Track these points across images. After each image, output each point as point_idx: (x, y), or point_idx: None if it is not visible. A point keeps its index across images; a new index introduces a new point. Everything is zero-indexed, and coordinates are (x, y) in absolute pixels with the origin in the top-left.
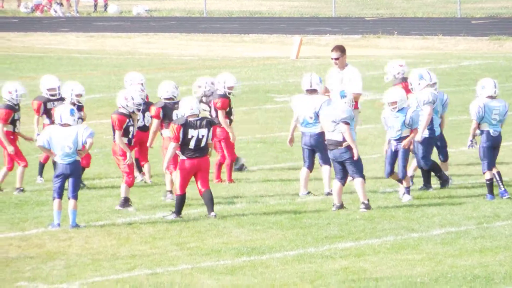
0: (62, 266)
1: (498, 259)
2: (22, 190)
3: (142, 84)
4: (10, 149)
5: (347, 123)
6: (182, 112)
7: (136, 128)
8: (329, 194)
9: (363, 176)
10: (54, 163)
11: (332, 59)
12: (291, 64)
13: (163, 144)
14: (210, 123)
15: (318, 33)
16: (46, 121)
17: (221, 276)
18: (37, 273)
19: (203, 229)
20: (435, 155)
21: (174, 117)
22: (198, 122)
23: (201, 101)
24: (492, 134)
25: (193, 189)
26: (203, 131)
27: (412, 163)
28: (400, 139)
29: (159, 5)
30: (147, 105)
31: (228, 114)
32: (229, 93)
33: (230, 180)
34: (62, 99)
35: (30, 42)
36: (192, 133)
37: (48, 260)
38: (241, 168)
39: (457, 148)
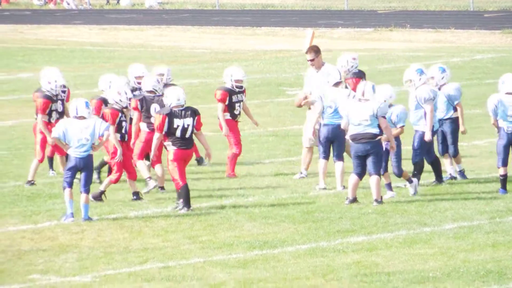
0: (75, 259)
1: (510, 254)
2: (33, 183)
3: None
4: (51, 140)
5: (384, 117)
6: (168, 102)
7: (128, 124)
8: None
9: (379, 174)
10: (67, 156)
11: (307, 60)
12: (303, 57)
13: (138, 137)
14: (195, 112)
15: (330, 26)
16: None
17: (233, 270)
18: (50, 266)
19: (215, 223)
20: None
21: (152, 111)
22: (183, 112)
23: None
24: (506, 130)
25: (204, 182)
26: (188, 121)
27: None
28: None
29: None
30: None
31: (230, 108)
32: (236, 87)
33: (233, 173)
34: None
35: (43, 34)
36: (177, 122)
37: (61, 253)
38: (200, 162)
39: (470, 142)
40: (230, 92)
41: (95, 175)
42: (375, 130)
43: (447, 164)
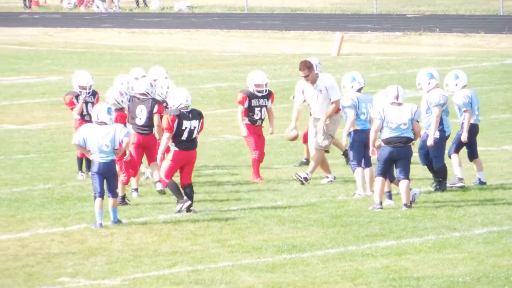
0: (104, 262)
1: None
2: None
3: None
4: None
5: (417, 121)
6: (177, 103)
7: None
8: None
9: (409, 179)
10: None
11: (302, 76)
12: (332, 61)
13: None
14: (200, 114)
15: (359, 30)
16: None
17: (261, 274)
18: (79, 269)
19: (244, 226)
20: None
21: (138, 112)
22: (190, 114)
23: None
24: None
25: (232, 186)
26: (195, 123)
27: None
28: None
29: (200, 1)
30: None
31: (250, 112)
32: (257, 91)
33: (258, 178)
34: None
35: (73, 37)
36: (186, 124)
37: (90, 256)
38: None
39: (499, 147)
40: (249, 96)
41: None
42: (411, 135)
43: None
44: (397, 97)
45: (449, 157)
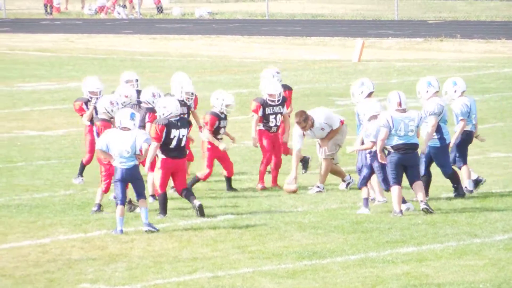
0: (124, 268)
1: None
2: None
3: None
4: (222, 146)
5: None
6: (168, 111)
7: None
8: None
9: (421, 179)
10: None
11: (300, 129)
12: (353, 67)
13: None
14: (188, 123)
15: (380, 36)
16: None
17: (282, 280)
18: (100, 275)
19: (264, 233)
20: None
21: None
22: (179, 122)
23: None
24: None
25: (253, 192)
26: (184, 131)
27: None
28: (371, 153)
29: (221, 7)
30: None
31: (265, 120)
32: (270, 101)
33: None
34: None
35: (94, 44)
36: (174, 133)
37: (111, 262)
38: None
39: None
40: (263, 104)
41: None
42: (417, 141)
43: (464, 176)
44: (400, 104)
45: (459, 168)
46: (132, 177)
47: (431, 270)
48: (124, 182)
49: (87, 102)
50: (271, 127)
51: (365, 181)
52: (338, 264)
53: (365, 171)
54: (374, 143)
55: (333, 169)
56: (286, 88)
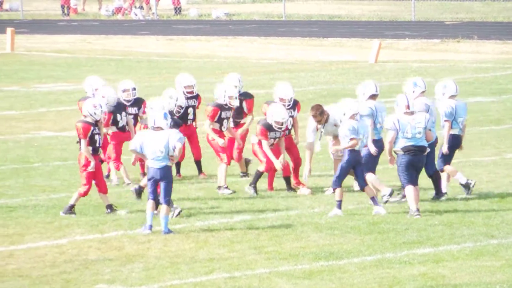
0: (141, 268)
1: None
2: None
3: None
4: (221, 142)
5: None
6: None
7: (102, 137)
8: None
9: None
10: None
11: (315, 122)
12: (369, 68)
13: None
14: (178, 124)
15: (397, 37)
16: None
17: (298, 281)
18: (116, 276)
19: (281, 233)
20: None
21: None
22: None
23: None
24: None
25: (269, 193)
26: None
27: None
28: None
29: (238, 8)
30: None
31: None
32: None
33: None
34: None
35: (111, 45)
36: None
37: (127, 262)
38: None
39: None
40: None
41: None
42: (425, 143)
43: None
44: (408, 107)
45: (441, 171)
46: (163, 177)
47: (448, 271)
48: (156, 181)
49: None
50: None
51: (340, 182)
52: (354, 265)
53: (338, 172)
54: (355, 140)
55: None
56: (247, 96)
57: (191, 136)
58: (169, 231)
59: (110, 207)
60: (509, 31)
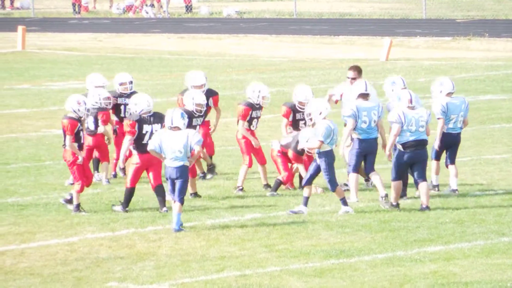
0: (152, 266)
1: None
2: (241, 189)
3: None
4: (255, 142)
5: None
6: (139, 108)
7: (85, 133)
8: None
9: (426, 180)
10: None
11: (348, 78)
12: (380, 66)
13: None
14: (161, 118)
15: (408, 35)
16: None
17: (309, 279)
18: (127, 274)
19: (292, 231)
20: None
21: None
22: (151, 118)
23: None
24: None
25: (280, 191)
26: (157, 126)
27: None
28: (319, 153)
29: (249, 6)
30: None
31: (294, 125)
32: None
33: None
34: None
35: (122, 43)
36: (146, 128)
37: (138, 260)
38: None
39: None
40: (294, 110)
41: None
42: (426, 137)
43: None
44: (410, 101)
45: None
46: (179, 176)
47: (459, 269)
48: (173, 180)
49: None
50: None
51: (311, 180)
52: (365, 263)
53: (311, 170)
54: (322, 142)
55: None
56: (212, 94)
57: (205, 134)
58: (180, 229)
59: (78, 207)
60: None
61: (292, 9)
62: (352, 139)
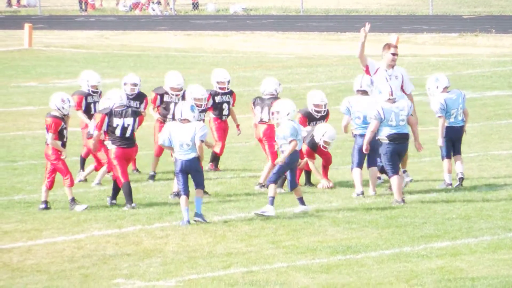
0: (159, 263)
1: None
2: (263, 186)
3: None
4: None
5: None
6: (112, 102)
7: (68, 131)
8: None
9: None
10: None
11: (392, 54)
12: None
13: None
14: (136, 113)
15: (415, 31)
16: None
17: (316, 275)
18: (134, 270)
19: (298, 228)
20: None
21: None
22: (124, 112)
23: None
24: None
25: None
26: (129, 120)
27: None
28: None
29: (256, 3)
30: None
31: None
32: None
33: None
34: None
35: (128, 40)
36: (117, 121)
37: (145, 257)
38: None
39: None
40: (309, 117)
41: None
42: (408, 130)
43: (457, 166)
44: (391, 93)
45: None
46: (192, 169)
47: (466, 264)
48: (185, 173)
49: (86, 96)
50: None
51: (276, 178)
52: (372, 258)
53: (275, 168)
54: (295, 141)
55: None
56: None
57: (224, 132)
58: (201, 215)
59: (45, 204)
60: None
61: (299, 5)
62: (354, 136)
